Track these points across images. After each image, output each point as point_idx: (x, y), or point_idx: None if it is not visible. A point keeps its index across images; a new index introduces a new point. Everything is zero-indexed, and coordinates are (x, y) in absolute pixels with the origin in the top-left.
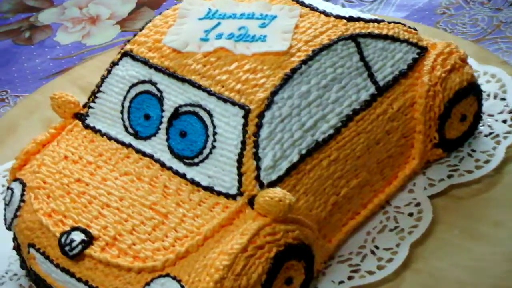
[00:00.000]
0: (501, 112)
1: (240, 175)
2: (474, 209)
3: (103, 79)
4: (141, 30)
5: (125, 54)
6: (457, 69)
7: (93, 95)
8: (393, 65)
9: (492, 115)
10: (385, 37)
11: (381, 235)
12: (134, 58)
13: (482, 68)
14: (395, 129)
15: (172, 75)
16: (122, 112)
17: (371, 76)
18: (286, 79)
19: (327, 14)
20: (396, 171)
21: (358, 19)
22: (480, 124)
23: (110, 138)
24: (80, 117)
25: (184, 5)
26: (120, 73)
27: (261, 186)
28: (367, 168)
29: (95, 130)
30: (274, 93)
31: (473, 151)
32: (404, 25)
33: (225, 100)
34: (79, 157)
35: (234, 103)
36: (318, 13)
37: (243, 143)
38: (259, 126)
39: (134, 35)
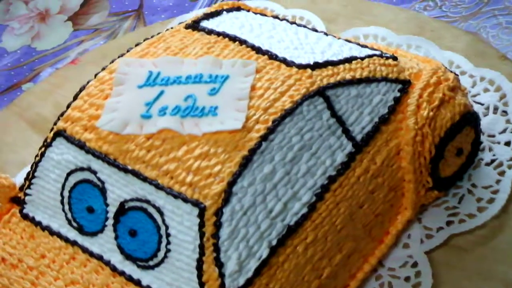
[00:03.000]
0: (503, 131)
1: (201, 284)
2: (480, 263)
3: (36, 162)
4: (74, 99)
5: (58, 133)
6: (447, 102)
7: (28, 180)
8: (371, 111)
9: (493, 136)
10: (358, 82)
11: None
12: (69, 139)
13: (479, 72)
14: (381, 185)
15: (113, 164)
16: (62, 203)
17: (346, 132)
18: (245, 164)
19: (288, 64)
20: (386, 227)
21: (326, 64)
22: (480, 148)
23: (52, 233)
24: (18, 201)
25: (120, 68)
26: (55, 157)
27: None
28: (352, 237)
29: (35, 222)
30: (232, 184)
31: (474, 186)
32: (381, 55)
33: (175, 196)
34: (18, 260)
35: (186, 200)
36: (278, 63)
37: (201, 247)
38: (217, 225)
39: (68, 106)
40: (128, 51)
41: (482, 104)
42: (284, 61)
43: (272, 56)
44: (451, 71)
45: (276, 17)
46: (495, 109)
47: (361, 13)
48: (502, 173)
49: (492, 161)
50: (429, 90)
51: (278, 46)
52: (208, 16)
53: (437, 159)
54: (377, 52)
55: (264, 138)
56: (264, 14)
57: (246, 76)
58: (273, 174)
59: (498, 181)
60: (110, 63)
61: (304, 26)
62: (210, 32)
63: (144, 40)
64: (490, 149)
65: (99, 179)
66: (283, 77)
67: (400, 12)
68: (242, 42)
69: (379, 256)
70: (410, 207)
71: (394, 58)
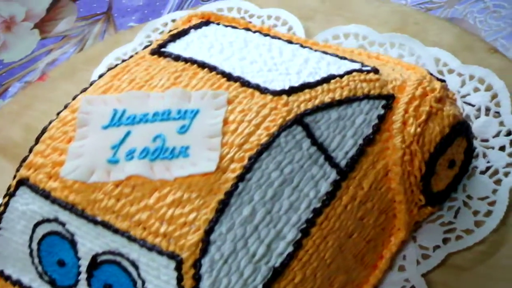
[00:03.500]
0: (497, 135)
1: None
2: (480, 283)
3: (1, 213)
4: (36, 142)
5: (21, 182)
6: (435, 114)
7: None
8: (354, 134)
9: (487, 140)
10: (338, 103)
11: None
12: (33, 188)
13: (467, 70)
14: (370, 210)
15: (82, 215)
16: (31, 255)
17: (329, 159)
18: (222, 209)
19: (262, 91)
20: (380, 251)
21: (302, 88)
22: (473, 155)
23: (23, 287)
24: None
25: (83, 107)
26: (20, 207)
27: None
28: (343, 269)
29: (4, 276)
30: (209, 232)
31: (470, 197)
32: (361, 70)
33: (149, 248)
34: None
35: (161, 252)
36: (251, 91)
37: None
38: (197, 278)
39: (30, 150)
40: (91, 84)
41: (473, 106)
42: (257, 88)
43: (245, 83)
44: (438, 79)
45: (247, 29)
46: (487, 110)
47: (340, 9)
48: (498, 182)
49: (487, 168)
50: (415, 104)
51: (250, 69)
52: (174, 37)
53: (429, 175)
54: (357, 66)
55: (240, 178)
56: (235, 26)
57: (217, 109)
58: (253, 215)
59: (494, 191)
60: (72, 99)
61: (279, 38)
62: (177, 58)
63: (107, 70)
64: (485, 155)
65: (68, 231)
66: (257, 107)
67: (381, 5)
68: (212, 68)
69: (374, 283)
70: (403, 227)
71: (376, 71)
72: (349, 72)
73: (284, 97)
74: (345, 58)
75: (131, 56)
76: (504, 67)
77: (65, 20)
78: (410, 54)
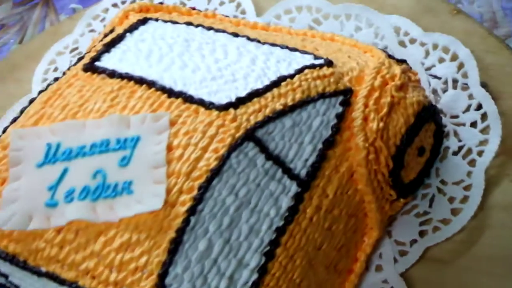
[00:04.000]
0: (467, 110)
1: None
2: (462, 276)
3: None
4: None
5: None
6: (397, 104)
7: None
8: (312, 138)
9: (457, 116)
10: (292, 109)
11: None
12: None
13: (430, 38)
14: (338, 217)
15: (24, 267)
16: None
17: (287, 171)
18: (175, 248)
19: (207, 106)
20: (353, 254)
21: (250, 97)
22: (444, 133)
23: None
24: None
25: (14, 143)
26: None
27: None
28: (316, 284)
29: None
30: (163, 275)
31: (444, 183)
32: (313, 66)
33: None
34: None
35: None
36: (195, 107)
37: None
38: None
39: None
40: (21, 112)
41: (439, 78)
42: (201, 103)
43: (187, 99)
44: (398, 60)
45: (189, 23)
46: (455, 82)
47: None
48: (472, 163)
49: (460, 148)
50: (375, 96)
51: (193, 79)
52: (109, 46)
53: (398, 169)
54: (308, 61)
55: (191, 211)
56: (175, 21)
57: (159, 134)
58: (210, 248)
59: (469, 174)
60: (3, 132)
61: (223, 31)
62: (112, 74)
63: (38, 93)
64: (456, 134)
65: (11, 283)
66: (202, 126)
67: None
68: (150, 84)
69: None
70: (376, 226)
71: (329, 64)
72: (300, 70)
73: (231, 111)
74: (296, 50)
75: (64, 74)
76: (469, 30)
77: (0, 7)
78: (368, 25)
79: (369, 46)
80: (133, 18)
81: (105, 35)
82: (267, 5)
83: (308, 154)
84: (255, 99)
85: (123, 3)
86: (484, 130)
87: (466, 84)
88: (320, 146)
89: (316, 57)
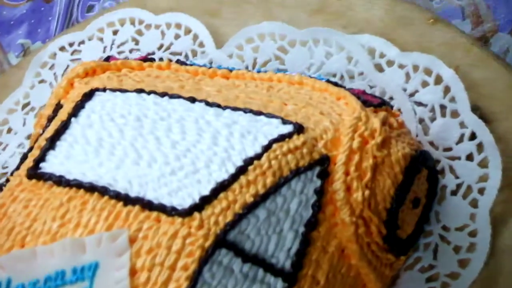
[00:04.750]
0: (461, 140)
1: None
2: None
3: None
4: None
5: None
6: (381, 165)
7: None
8: (292, 223)
9: (450, 149)
10: (264, 197)
11: None
12: None
13: (409, 59)
14: None
15: None
16: None
17: (269, 269)
18: None
19: (168, 212)
20: None
21: (216, 193)
22: (439, 169)
23: None
24: None
25: None
26: None
27: None
28: None
29: None
30: None
31: (446, 229)
32: (282, 136)
33: None
34: None
35: None
36: (156, 215)
37: None
38: None
39: None
40: None
41: (425, 105)
42: (162, 209)
43: (146, 205)
44: (375, 106)
45: (140, 90)
46: (442, 108)
47: (246, 1)
48: (474, 203)
49: (458, 186)
50: (355, 161)
51: (150, 177)
52: (53, 140)
53: (392, 232)
54: (276, 132)
55: None
56: (125, 89)
57: (119, 256)
58: None
59: (472, 216)
60: None
61: (178, 97)
62: (59, 182)
63: None
64: (451, 169)
65: None
66: (166, 239)
67: None
68: (102, 191)
69: None
70: None
71: (299, 129)
72: (268, 147)
73: (196, 215)
74: (261, 113)
75: (7, 181)
76: (450, 42)
77: None
78: (339, 49)
79: (341, 92)
80: (79, 87)
81: (53, 112)
82: (226, 35)
83: (290, 242)
84: (221, 195)
85: (70, 45)
86: (482, 162)
87: (456, 111)
88: (302, 229)
89: (284, 121)
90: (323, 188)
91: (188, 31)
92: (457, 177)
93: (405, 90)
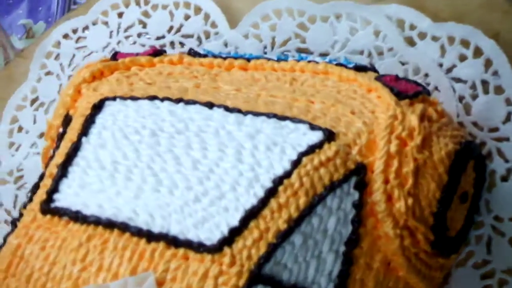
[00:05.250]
0: (508, 120)
1: None
2: None
3: None
4: None
5: None
6: (423, 167)
7: None
8: (331, 244)
9: (496, 129)
10: (298, 221)
11: None
12: None
13: (442, 30)
14: None
15: None
16: None
17: None
18: None
19: (196, 249)
20: None
21: (245, 222)
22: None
23: None
24: None
25: None
26: None
27: None
28: None
29: None
30: None
31: (498, 219)
32: (312, 147)
33: None
34: None
35: None
36: (183, 252)
37: None
38: None
39: None
40: None
41: (465, 82)
42: (190, 245)
43: (171, 241)
44: (412, 97)
45: (153, 97)
46: (484, 84)
47: None
48: None
49: (509, 171)
50: (394, 167)
51: (172, 207)
52: (65, 166)
53: (440, 236)
54: (305, 141)
55: None
56: (136, 97)
57: None
58: None
59: None
60: None
61: (194, 103)
62: (76, 217)
63: None
64: (499, 152)
65: None
66: (197, 280)
67: None
68: (123, 228)
69: None
70: None
71: (330, 136)
72: (297, 162)
73: (227, 251)
74: (286, 118)
75: (21, 215)
76: (485, 2)
77: None
78: (365, 24)
79: (372, 83)
80: (87, 94)
81: (62, 124)
82: (239, 11)
83: (331, 264)
84: (252, 224)
85: (74, 32)
86: None
87: (501, 86)
88: (343, 249)
89: (312, 127)
90: (361, 200)
91: (198, 10)
92: (506, 161)
93: (441, 65)
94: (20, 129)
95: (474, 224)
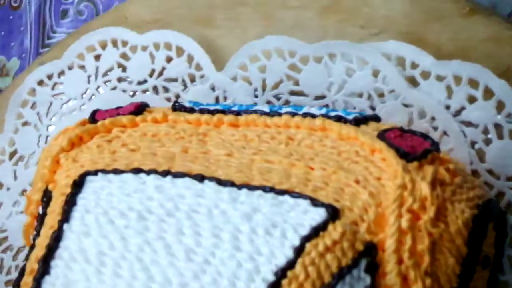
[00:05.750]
0: None
1: None
2: None
3: None
4: None
5: None
6: (440, 241)
7: None
8: None
9: None
10: None
11: None
12: None
13: (447, 69)
14: None
15: None
16: None
17: None
18: None
19: None
20: None
21: None
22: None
23: None
24: None
25: None
26: None
27: None
28: None
29: None
30: None
31: None
32: (316, 229)
33: None
34: None
35: None
36: None
37: None
38: None
39: None
40: None
41: (476, 126)
42: None
43: None
44: (421, 157)
45: (138, 170)
46: (498, 127)
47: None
48: None
49: None
50: (408, 245)
51: None
52: (46, 259)
53: None
54: (307, 225)
55: None
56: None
57: None
58: None
59: None
60: None
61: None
62: None
63: None
64: None
65: None
66: None
67: None
68: None
69: None
70: None
71: (334, 214)
72: (300, 249)
73: None
74: (285, 192)
75: None
76: (492, 36)
77: None
78: (362, 63)
79: (376, 143)
80: (66, 165)
81: (42, 200)
82: (224, 49)
83: None
84: None
85: (49, 78)
86: None
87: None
88: None
89: (313, 203)
90: (374, 284)
91: (180, 51)
92: None
93: (448, 107)
94: (0, 185)
95: (498, 285)
